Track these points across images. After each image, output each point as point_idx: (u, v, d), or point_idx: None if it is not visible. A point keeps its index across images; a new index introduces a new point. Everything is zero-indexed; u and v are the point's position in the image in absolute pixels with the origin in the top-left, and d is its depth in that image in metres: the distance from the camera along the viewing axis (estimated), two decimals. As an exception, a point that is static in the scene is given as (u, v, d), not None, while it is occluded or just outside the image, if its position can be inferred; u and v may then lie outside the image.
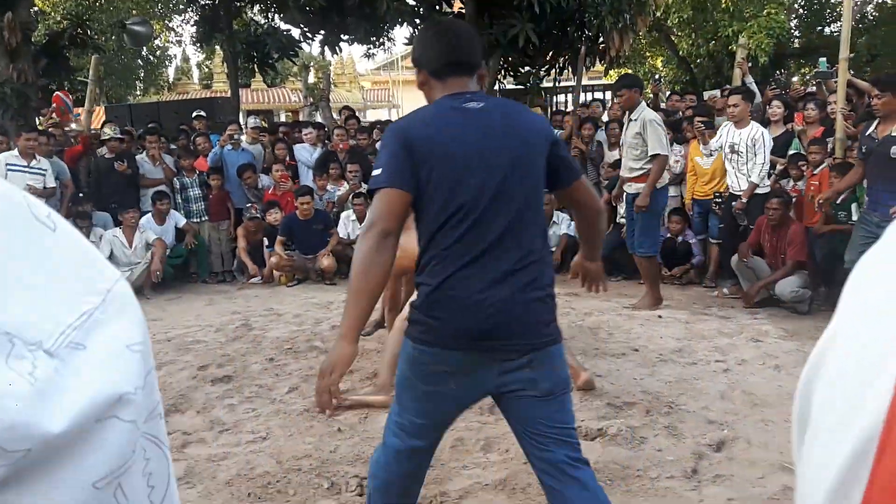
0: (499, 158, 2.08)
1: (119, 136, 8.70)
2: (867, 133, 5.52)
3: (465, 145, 2.07)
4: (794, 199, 6.65)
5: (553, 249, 7.91)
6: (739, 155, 6.53)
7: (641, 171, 6.06)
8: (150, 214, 8.13)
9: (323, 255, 8.00)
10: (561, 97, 18.51)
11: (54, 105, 9.25)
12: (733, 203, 6.62)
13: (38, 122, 10.01)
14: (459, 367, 2.08)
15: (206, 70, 27.82)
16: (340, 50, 11.82)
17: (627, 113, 6.13)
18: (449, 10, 11.91)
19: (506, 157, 2.08)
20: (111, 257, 7.62)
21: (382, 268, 2.01)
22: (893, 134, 5.26)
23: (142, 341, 0.48)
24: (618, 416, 3.93)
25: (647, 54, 20.76)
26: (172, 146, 9.24)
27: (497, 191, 2.06)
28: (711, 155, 6.92)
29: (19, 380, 0.39)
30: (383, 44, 12.60)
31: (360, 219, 8.15)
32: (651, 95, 11.44)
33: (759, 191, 6.53)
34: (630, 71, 21.27)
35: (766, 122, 7.32)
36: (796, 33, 21.05)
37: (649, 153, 5.92)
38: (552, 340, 2.13)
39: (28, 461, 0.39)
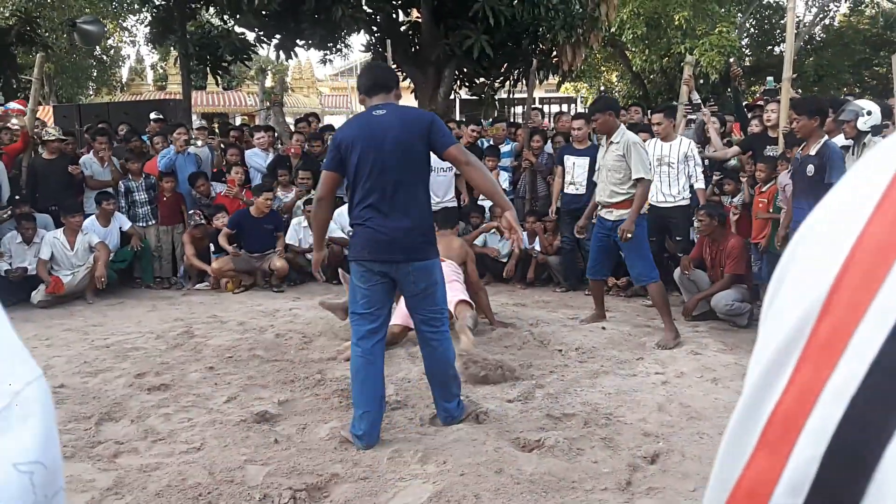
0: (388, 144, 3.58)
1: (62, 136, 8.49)
2: (797, 155, 5.71)
3: (369, 139, 3.61)
4: (734, 214, 6.79)
5: (505, 260, 8.00)
6: (671, 167, 6.75)
7: (625, 196, 5.70)
8: (94, 216, 7.95)
9: (276, 256, 7.93)
10: (520, 108, 18.66)
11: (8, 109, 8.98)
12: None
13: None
14: (376, 271, 3.68)
15: (161, 71, 27.39)
16: (296, 55, 11.75)
17: (606, 137, 5.84)
18: (406, 18, 11.95)
19: (392, 142, 3.58)
20: (52, 259, 7.44)
21: (322, 216, 3.92)
22: (811, 153, 5.44)
23: (37, 461, 0.40)
24: (556, 428, 3.95)
25: (603, 69, 21.05)
26: (121, 147, 9.09)
27: (386, 163, 3.58)
28: None
29: None
30: (340, 50, 12.55)
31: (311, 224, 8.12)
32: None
33: (682, 202, 6.74)
34: (584, 85, 21.59)
35: (706, 139, 7.56)
36: (747, 52, 21.56)
37: (633, 177, 5.60)
38: (425, 257, 3.66)
39: None
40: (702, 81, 16.36)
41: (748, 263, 6.43)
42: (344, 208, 8.29)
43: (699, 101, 7.91)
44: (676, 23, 16.82)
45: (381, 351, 3.75)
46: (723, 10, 17.57)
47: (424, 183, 3.73)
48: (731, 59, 14.39)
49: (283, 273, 7.93)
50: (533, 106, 10.30)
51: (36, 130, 8.53)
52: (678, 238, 6.93)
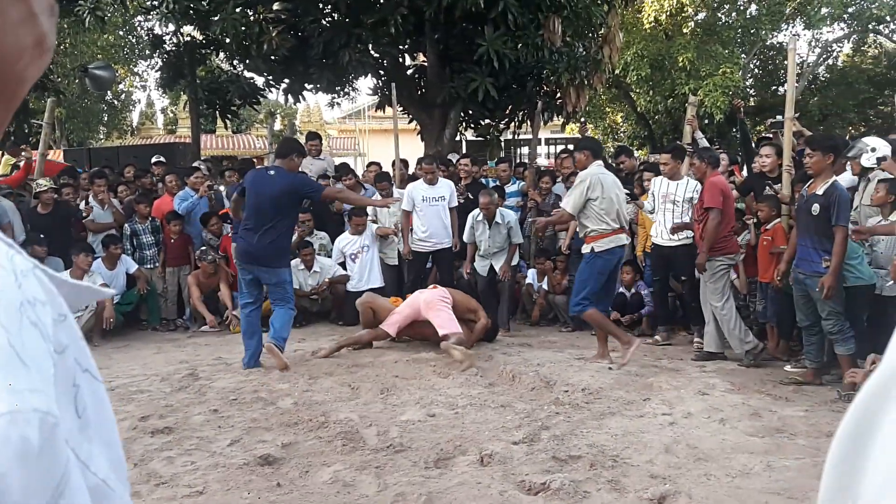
0: (269, 191, 5.89)
1: (54, 186, 8.39)
2: (802, 192, 5.71)
3: (259, 186, 5.98)
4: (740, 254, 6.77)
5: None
6: (675, 205, 6.76)
7: (588, 231, 6.20)
8: (100, 259, 7.99)
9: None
10: (525, 149, 18.82)
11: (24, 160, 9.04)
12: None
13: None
14: (247, 269, 6.11)
15: (171, 115, 27.76)
16: (304, 98, 11.90)
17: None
18: (412, 62, 12.12)
19: (270, 192, 5.89)
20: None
21: (235, 212, 6.77)
22: (818, 192, 5.44)
23: None
24: (562, 470, 3.90)
25: (608, 109, 21.23)
26: (130, 190, 9.18)
27: (265, 204, 5.90)
28: (653, 212, 7.04)
29: None
30: (347, 93, 12.72)
31: (308, 267, 8.25)
32: None
33: (685, 241, 6.73)
34: (590, 125, 21.75)
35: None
36: (751, 92, 21.73)
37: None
38: (278, 266, 6.06)
39: None
40: (707, 122, 16.48)
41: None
42: (341, 237, 8.40)
43: (704, 140, 7.93)
44: (680, 64, 17.00)
45: (257, 315, 6.27)
46: (726, 51, 17.77)
47: (286, 220, 6.07)
48: (730, 95, 14.52)
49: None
50: (563, 150, 10.44)
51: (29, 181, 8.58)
52: (683, 278, 6.91)
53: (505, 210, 7.80)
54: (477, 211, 7.59)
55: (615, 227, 6.17)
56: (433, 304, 6.52)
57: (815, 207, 5.36)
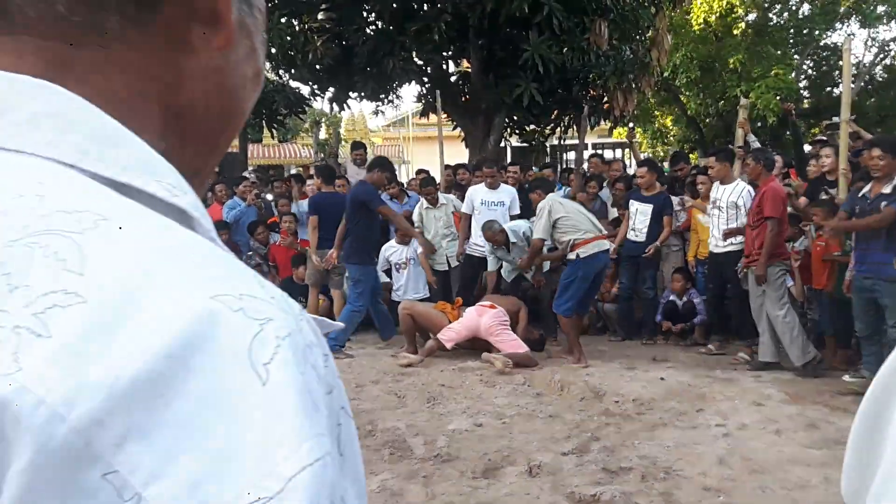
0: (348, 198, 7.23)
1: None
2: (859, 194, 5.51)
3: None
4: (795, 260, 6.58)
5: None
6: (721, 211, 6.61)
7: (568, 244, 6.48)
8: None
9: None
10: (572, 154, 18.68)
11: None
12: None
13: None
14: None
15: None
16: (349, 107, 12.03)
17: None
18: (456, 68, 12.12)
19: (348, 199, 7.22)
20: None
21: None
22: (885, 192, 5.25)
23: None
24: (613, 482, 3.82)
25: (657, 113, 20.94)
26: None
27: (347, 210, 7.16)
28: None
29: None
30: (392, 101, 12.78)
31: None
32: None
33: (731, 248, 6.57)
34: (639, 129, 21.51)
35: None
36: (805, 94, 21.22)
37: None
38: (349, 262, 7.07)
39: None
40: (759, 124, 16.14)
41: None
42: (387, 245, 8.30)
43: (756, 143, 7.74)
44: (731, 66, 16.70)
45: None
46: (778, 52, 17.40)
47: (357, 223, 6.92)
48: (778, 98, 14.20)
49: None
50: (592, 154, 10.31)
51: None
52: (728, 285, 6.75)
53: (513, 224, 7.40)
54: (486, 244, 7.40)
55: (596, 232, 6.48)
56: (493, 330, 6.47)
57: (884, 205, 5.17)
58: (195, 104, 0.51)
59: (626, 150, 23.37)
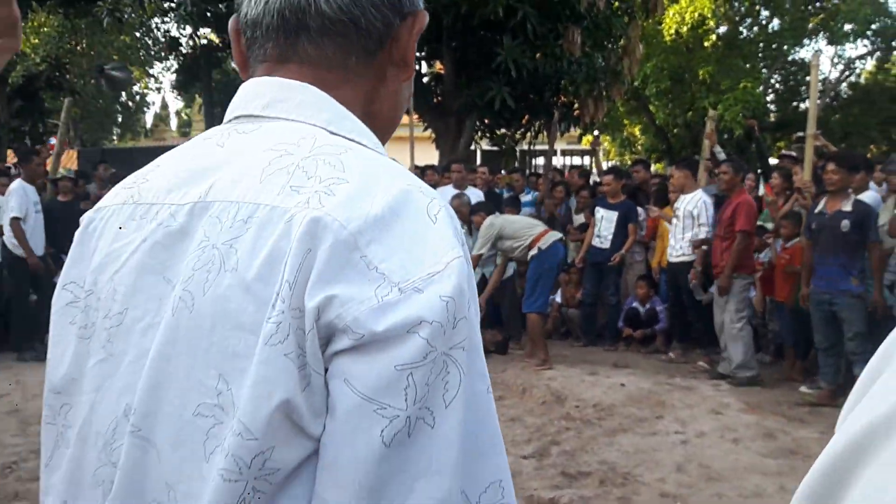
0: None
1: (71, 175, 8.45)
2: (815, 210, 5.58)
3: None
4: (757, 272, 6.65)
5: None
6: (677, 220, 6.72)
7: (524, 248, 6.60)
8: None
9: None
10: (540, 160, 18.75)
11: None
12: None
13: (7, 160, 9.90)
14: None
15: (185, 118, 27.91)
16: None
17: None
18: (429, 69, 12.09)
19: None
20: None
21: None
22: (844, 209, 5.32)
23: (452, 296, 0.67)
24: (571, 486, 3.82)
25: (626, 122, 21.12)
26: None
27: None
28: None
29: (373, 298, 0.65)
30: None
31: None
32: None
33: (684, 258, 6.65)
34: (607, 138, 21.66)
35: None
36: (772, 107, 21.56)
37: None
38: None
39: (362, 342, 0.65)
40: (726, 136, 16.35)
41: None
42: None
43: (722, 154, 7.82)
44: (701, 77, 16.89)
45: None
46: (748, 65, 17.64)
47: None
48: (742, 115, 14.40)
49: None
50: (571, 166, 10.35)
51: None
52: (683, 296, 6.80)
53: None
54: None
55: (544, 227, 6.75)
56: None
57: (845, 224, 5.25)
58: (381, 110, 0.87)
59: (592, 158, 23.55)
